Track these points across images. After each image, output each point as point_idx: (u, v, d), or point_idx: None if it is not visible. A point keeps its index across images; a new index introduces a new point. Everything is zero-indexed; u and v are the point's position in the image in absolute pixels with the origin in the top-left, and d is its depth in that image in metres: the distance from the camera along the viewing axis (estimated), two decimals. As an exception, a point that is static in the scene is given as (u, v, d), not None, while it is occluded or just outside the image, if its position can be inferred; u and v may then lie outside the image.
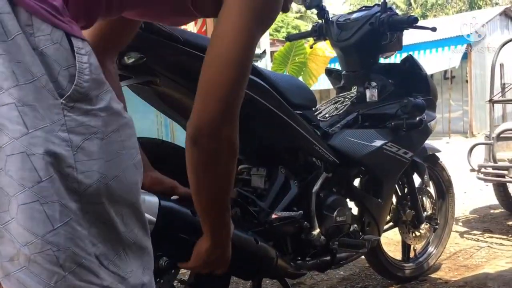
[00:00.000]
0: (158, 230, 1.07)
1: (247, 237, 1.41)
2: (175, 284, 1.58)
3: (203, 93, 0.92)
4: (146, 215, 1.05)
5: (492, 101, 3.98)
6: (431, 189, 2.58)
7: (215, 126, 0.91)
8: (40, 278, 0.66)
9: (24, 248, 0.65)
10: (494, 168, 3.63)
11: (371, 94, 2.07)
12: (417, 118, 2.00)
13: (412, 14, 19.83)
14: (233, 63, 0.90)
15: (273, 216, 1.60)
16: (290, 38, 2.56)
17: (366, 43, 2.07)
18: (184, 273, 1.93)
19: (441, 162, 2.61)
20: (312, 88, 3.93)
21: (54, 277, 0.66)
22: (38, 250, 0.65)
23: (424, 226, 2.44)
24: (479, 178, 3.75)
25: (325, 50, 4.39)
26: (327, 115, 2.05)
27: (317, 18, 2.24)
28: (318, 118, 1.98)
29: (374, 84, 2.07)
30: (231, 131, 0.94)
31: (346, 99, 2.10)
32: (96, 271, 0.69)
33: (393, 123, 2.02)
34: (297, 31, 18.88)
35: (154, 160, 1.33)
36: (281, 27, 23.33)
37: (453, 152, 6.24)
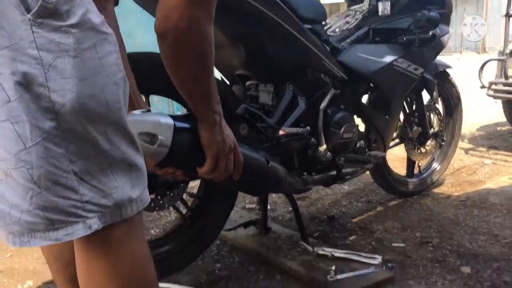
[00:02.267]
0: (173, 150, 1.07)
1: (258, 157, 1.43)
2: (184, 197, 1.63)
3: None
4: (161, 137, 1.05)
5: (508, 15, 3.82)
6: (440, 106, 2.57)
7: (180, 14, 0.86)
8: (17, 192, 0.68)
9: (0, 163, 0.66)
10: (505, 84, 3.58)
11: (383, 7, 1.98)
12: (430, 33, 1.93)
13: None
14: None
15: (281, 132, 1.61)
16: None
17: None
18: (193, 186, 1.98)
19: (451, 78, 2.57)
20: (321, 1, 3.78)
21: (29, 192, 0.67)
22: (12, 166, 0.66)
23: (430, 143, 2.46)
24: (489, 95, 3.71)
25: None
26: (337, 30, 1.99)
27: None
28: (328, 33, 1.92)
29: (387, -4, 1.98)
30: (199, 18, 0.88)
31: (358, 13, 2.02)
32: (75, 187, 0.70)
33: (405, 38, 1.96)
34: None
35: (149, 74, 1.31)
36: None
37: (464, 68, 6.13)
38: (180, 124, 1.10)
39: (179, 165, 1.15)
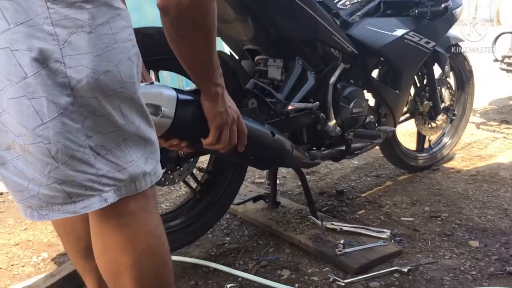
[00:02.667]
0: (176, 121, 1.08)
1: (263, 130, 1.43)
2: (194, 172, 1.65)
3: None
4: (164, 109, 1.05)
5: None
6: (451, 79, 2.54)
7: None
8: (35, 167, 0.69)
9: (18, 138, 0.68)
10: (518, 58, 3.53)
11: (395, -21, 1.95)
12: (443, 5, 1.90)
13: None
14: None
15: (290, 107, 1.60)
16: None
17: None
18: (203, 161, 2.00)
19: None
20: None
21: (47, 167, 0.69)
22: (30, 142, 0.67)
23: (441, 117, 2.44)
24: (502, 69, 3.66)
25: None
26: (347, 3, 1.95)
27: None
28: (338, 6, 1.89)
29: (399, -33, 1.95)
30: None
31: (368, -15, 1.99)
32: (91, 161, 0.72)
33: (416, 11, 1.93)
34: None
35: (159, 50, 1.30)
36: None
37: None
38: (183, 96, 1.10)
39: (183, 136, 1.16)
